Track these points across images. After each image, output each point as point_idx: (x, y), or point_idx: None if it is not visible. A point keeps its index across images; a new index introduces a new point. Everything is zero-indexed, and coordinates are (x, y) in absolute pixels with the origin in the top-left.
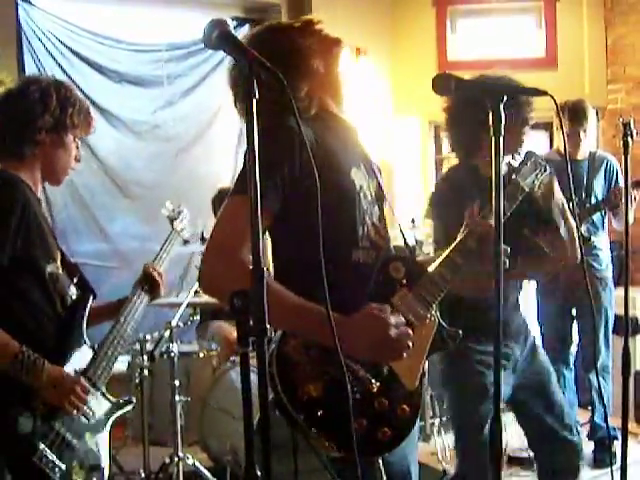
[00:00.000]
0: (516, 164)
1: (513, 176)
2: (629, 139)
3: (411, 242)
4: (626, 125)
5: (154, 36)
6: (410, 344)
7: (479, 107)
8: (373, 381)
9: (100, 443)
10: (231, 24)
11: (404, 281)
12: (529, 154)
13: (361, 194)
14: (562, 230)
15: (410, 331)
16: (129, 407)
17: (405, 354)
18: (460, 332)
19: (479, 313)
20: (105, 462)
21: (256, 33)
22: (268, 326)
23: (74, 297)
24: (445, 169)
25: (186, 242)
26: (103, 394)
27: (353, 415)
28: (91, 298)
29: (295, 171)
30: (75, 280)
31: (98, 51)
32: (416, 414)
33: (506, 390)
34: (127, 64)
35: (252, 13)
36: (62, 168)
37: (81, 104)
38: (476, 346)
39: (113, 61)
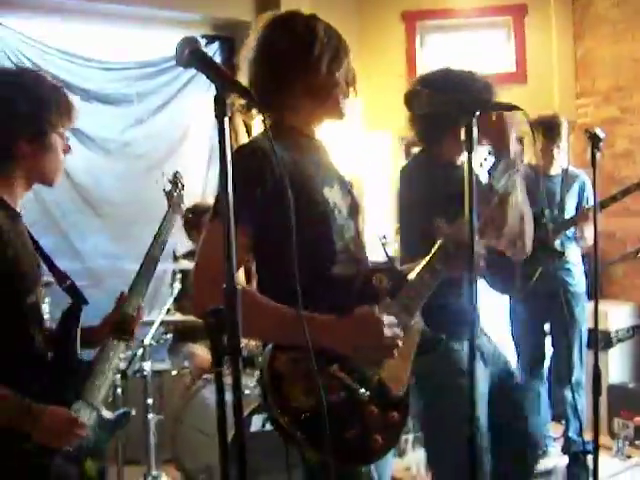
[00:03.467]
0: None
1: (487, 180)
2: (596, 151)
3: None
4: (593, 136)
5: (124, 54)
6: (400, 343)
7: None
8: (362, 390)
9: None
10: (201, 42)
11: (387, 290)
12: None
13: (335, 211)
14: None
15: (400, 331)
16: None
17: (395, 353)
18: (444, 336)
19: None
20: None
21: (284, 18)
22: (245, 342)
23: (65, 309)
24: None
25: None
26: (100, 416)
27: (345, 425)
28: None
29: (269, 191)
30: (67, 288)
31: (67, 69)
32: (405, 420)
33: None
34: (97, 82)
35: (222, 30)
36: (54, 169)
37: (56, 96)
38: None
39: (83, 79)
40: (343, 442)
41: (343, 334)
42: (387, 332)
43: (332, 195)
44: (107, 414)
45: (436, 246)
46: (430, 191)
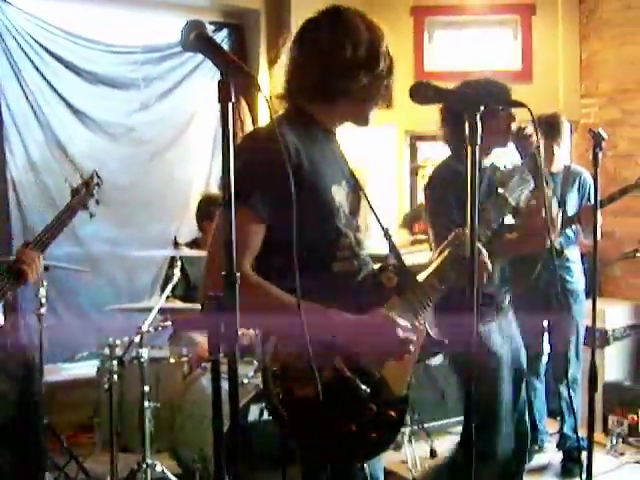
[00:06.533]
0: (500, 171)
1: (500, 190)
2: (599, 150)
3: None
4: (596, 135)
5: (131, 38)
6: (412, 348)
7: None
8: (363, 387)
9: None
10: (209, 28)
11: (395, 289)
12: (516, 168)
13: (341, 210)
14: None
15: (414, 337)
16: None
17: (406, 357)
18: (446, 340)
19: None
20: None
21: (342, 18)
22: (243, 331)
23: None
24: (421, 177)
25: (92, 216)
26: None
27: (343, 420)
28: None
29: (283, 182)
30: None
31: (74, 51)
32: (402, 420)
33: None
34: (103, 65)
35: (230, 18)
36: None
37: None
38: None
39: (89, 62)
40: (340, 437)
41: (357, 332)
42: (400, 334)
43: (338, 193)
44: None
45: (447, 251)
46: (454, 194)
